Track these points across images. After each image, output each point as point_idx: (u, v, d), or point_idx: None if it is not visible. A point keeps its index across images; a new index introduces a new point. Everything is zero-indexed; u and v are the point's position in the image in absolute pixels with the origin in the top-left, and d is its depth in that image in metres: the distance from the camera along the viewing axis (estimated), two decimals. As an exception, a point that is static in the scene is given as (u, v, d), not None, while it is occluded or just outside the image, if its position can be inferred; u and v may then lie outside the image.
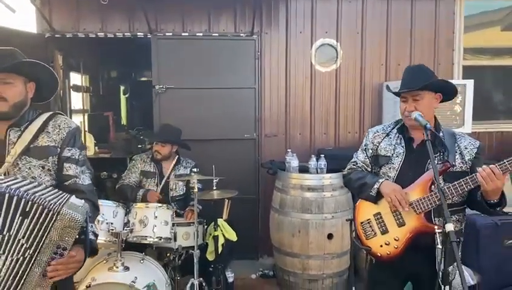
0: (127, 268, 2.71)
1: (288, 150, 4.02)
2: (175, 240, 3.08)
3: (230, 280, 3.66)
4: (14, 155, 1.74)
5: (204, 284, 3.00)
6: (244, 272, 4.19)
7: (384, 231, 2.12)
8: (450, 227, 1.63)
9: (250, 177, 4.46)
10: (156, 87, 4.31)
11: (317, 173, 3.77)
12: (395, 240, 2.08)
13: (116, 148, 5.46)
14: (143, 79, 9.13)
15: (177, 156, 3.67)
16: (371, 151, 2.27)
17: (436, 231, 1.77)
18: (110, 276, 2.61)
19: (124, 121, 8.11)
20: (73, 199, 1.60)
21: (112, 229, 2.81)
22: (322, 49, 4.50)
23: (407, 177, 2.09)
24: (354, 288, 3.53)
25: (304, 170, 3.87)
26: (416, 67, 2.22)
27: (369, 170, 2.30)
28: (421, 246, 2.04)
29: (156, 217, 2.92)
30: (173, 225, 3.03)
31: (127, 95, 8.24)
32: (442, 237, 1.72)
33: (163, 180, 3.51)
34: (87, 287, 2.49)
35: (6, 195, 1.51)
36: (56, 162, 1.81)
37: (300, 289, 3.80)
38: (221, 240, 3.30)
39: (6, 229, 1.51)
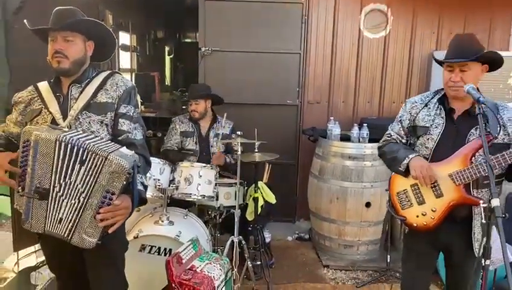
0: (171, 222, 2.86)
1: (331, 117, 4.01)
2: (217, 199, 3.20)
3: (268, 240, 3.79)
4: (76, 110, 1.86)
5: (243, 242, 3.12)
6: (280, 234, 4.32)
7: (421, 202, 2.12)
8: (496, 202, 1.61)
9: (291, 143, 4.50)
10: (202, 49, 4.35)
11: (358, 142, 3.76)
12: (432, 211, 2.09)
13: (161, 108, 5.61)
14: (187, 40, 9.20)
15: (213, 115, 3.76)
16: (407, 121, 2.23)
17: (482, 205, 1.76)
18: (156, 229, 2.77)
19: (168, 81, 8.26)
20: (123, 149, 1.71)
21: (159, 185, 2.95)
22: (372, 14, 4.37)
23: (446, 148, 2.06)
24: (388, 256, 3.58)
25: (345, 138, 3.87)
26: (466, 36, 2.13)
27: (404, 141, 2.27)
28: (456, 218, 2.05)
29: (201, 176, 3.04)
30: (216, 184, 3.14)
31: (171, 56, 8.34)
32: (486, 212, 1.71)
33: (217, 141, 3.63)
34: (134, 237, 2.65)
35: (69, 145, 1.64)
36: (112, 118, 1.92)
37: (336, 254, 3.89)
38: (260, 202, 3.39)
39: (67, 176, 1.65)
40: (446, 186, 2.05)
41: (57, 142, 1.64)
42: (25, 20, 1.93)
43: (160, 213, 2.88)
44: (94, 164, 1.66)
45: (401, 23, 4.36)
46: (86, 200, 1.67)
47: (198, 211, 3.47)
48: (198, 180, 3.03)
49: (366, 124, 3.80)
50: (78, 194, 1.67)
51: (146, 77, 5.97)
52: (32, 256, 3.58)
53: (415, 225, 2.14)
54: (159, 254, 2.69)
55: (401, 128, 2.27)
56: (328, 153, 3.83)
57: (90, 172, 1.66)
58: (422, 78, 4.43)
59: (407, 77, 4.44)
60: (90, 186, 1.67)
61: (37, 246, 3.62)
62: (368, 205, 3.70)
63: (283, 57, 4.38)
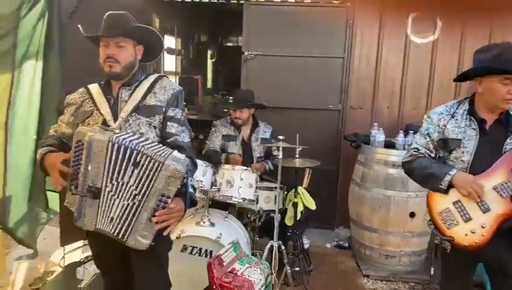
0: (212, 224, 2.89)
1: (375, 123, 3.92)
2: (257, 202, 3.20)
3: (306, 246, 3.75)
4: (126, 112, 1.91)
5: (282, 247, 3.10)
6: (319, 240, 4.26)
7: (468, 219, 2.02)
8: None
9: (332, 148, 4.44)
10: (245, 53, 4.38)
11: (404, 149, 3.65)
12: (481, 227, 1.99)
13: (203, 110, 5.69)
14: (229, 44, 9.31)
15: (254, 120, 3.78)
16: (437, 134, 2.14)
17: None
18: (197, 230, 2.80)
19: (209, 84, 8.37)
20: (176, 153, 1.74)
21: (201, 187, 2.98)
22: (420, 18, 4.25)
23: (483, 160, 1.99)
24: (432, 268, 3.46)
25: (389, 145, 3.77)
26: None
27: (432, 156, 2.18)
28: (500, 231, 1.96)
29: (242, 179, 3.05)
30: (256, 188, 3.14)
31: (213, 60, 8.46)
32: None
33: (259, 145, 3.65)
34: (177, 238, 2.69)
35: (122, 146, 1.68)
36: (161, 120, 1.96)
37: (376, 263, 3.79)
38: (300, 207, 3.36)
39: (120, 176, 1.69)
40: (492, 199, 1.97)
41: (110, 143, 1.69)
42: (79, 26, 2.01)
43: (202, 214, 2.91)
44: (150, 168, 1.69)
45: (450, 27, 4.21)
46: (142, 203, 1.71)
47: (238, 214, 3.48)
48: (240, 183, 3.05)
49: (412, 131, 3.69)
50: (132, 196, 1.71)
51: (189, 80, 6.07)
52: (77, 251, 3.72)
53: (465, 244, 2.02)
54: (199, 255, 2.72)
55: (429, 142, 2.18)
56: (371, 160, 3.74)
57: (146, 175, 1.70)
58: (474, 86, 4.24)
59: (456, 83, 4.28)
60: (146, 189, 1.70)
61: (83, 242, 3.76)
62: (412, 215, 3.59)
63: (326, 61, 4.34)
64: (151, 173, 1.69)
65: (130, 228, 1.73)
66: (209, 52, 8.45)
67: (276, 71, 4.37)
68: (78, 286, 2.68)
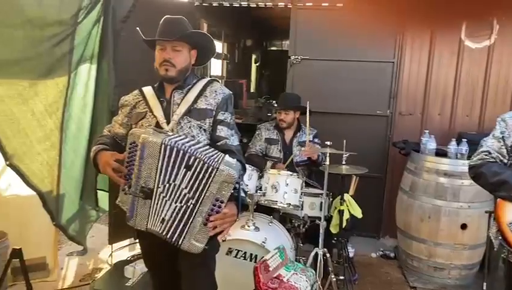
0: (257, 228, 2.87)
1: (425, 130, 3.78)
2: (302, 208, 3.16)
3: (351, 254, 3.67)
4: (179, 115, 1.94)
5: (327, 254, 3.04)
6: (364, 249, 4.16)
7: None
8: None
9: (379, 155, 4.33)
10: (292, 58, 4.36)
11: (456, 158, 3.50)
12: None
13: (247, 114, 5.71)
14: (273, 48, 9.32)
15: (298, 124, 3.74)
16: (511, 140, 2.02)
17: None
18: (242, 234, 2.79)
19: (253, 88, 8.41)
20: (228, 158, 1.75)
21: (247, 191, 2.98)
22: (475, 22, 4.07)
23: None
24: (485, 284, 3.28)
25: (440, 153, 3.63)
26: None
27: (505, 161, 2.04)
28: None
29: (287, 184, 3.02)
30: (302, 193, 3.10)
31: (257, 64, 8.50)
32: None
33: (300, 149, 3.58)
34: (222, 240, 2.69)
35: (175, 149, 1.70)
36: (211, 124, 1.98)
37: (424, 275, 3.65)
38: (346, 215, 3.29)
39: (172, 178, 1.72)
40: None
41: (163, 145, 1.71)
42: (137, 28, 2.06)
43: (247, 218, 2.91)
44: (204, 173, 1.71)
45: (508, 32, 4.01)
46: (196, 207, 1.73)
47: (281, 219, 3.45)
48: (285, 188, 3.02)
49: (465, 140, 3.53)
50: (186, 199, 1.73)
51: (235, 84, 6.12)
52: (125, 249, 3.82)
53: None
54: (244, 258, 2.71)
55: (502, 146, 2.04)
56: (421, 168, 3.61)
57: (199, 180, 1.72)
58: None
59: (514, 90, 4.07)
60: (200, 193, 1.72)
61: (130, 241, 3.86)
62: (463, 226, 3.43)
63: (375, 65, 4.25)
64: (206, 178, 1.70)
65: (184, 231, 1.75)
66: (254, 57, 8.49)
67: (323, 76, 4.32)
68: (126, 284, 2.74)
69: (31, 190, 2.98)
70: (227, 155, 1.78)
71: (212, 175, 1.69)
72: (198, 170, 1.70)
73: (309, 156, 3.43)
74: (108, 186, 3.47)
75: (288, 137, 3.72)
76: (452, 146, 3.54)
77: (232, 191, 1.74)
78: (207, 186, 1.70)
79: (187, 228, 1.74)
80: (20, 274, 2.90)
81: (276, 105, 5.79)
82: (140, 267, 2.80)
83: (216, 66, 6.14)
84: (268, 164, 3.58)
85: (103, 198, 3.66)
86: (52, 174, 3.09)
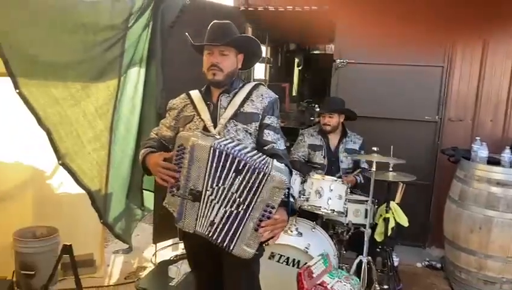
0: (300, 234, 2.85)
1: (477, 137, 3.62)
2: (346, 215, 3.10)
3: (396, 263, 3.56)
4: (226, 118, 1.96)
5: (372, 263, 2.97)
6: (409, 258, 4.03)
7: None
8: None
9: (426, 162, 4.19)
10: (337, 61, 4.30)
11: (510, 167, 3.33)
12: None
13: (289, 118, 5.69)
14: (316, 52, 9.24)
15: (343, 129, 3.66)
16: None
17: None
18: (285, 239, 2.77)
19: (294, 92, 8.38)
20: (276, 163, 1.75)
21: (295, 196, 2.96)
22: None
23: None
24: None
25: (493, 161, 3.46)
26: None
27: None
28: None
29: (332, 190, 2.98)
30: (346, 200, 3.05)
31: (300, 68, 8.46)
32: None
33: (347, 156, 3.55)
34: (265, 244, 2.69)
35: (224, 153, 1.71)
36: (257, 128, 1.98)
37: (473, 288, 3.49)
38: (391, 223, 3.20)
39: (221, 182, 1.73)
40: None
41: (211, 148, 1.73)
42: (186, 34, 2.10)
43: (290, 223, 2.89)
44: (255, 178, 1.71)
45: None
46: (248, 213, 1.74)
47: (322, 225, 3.40)
48: (329, 194, 2.97)
49: (520, 148, 3.36)
50: (236, 204, 1.74)
51: (277, 88, 6.11)
52: (168, 249, 3.89)
53: None
54: (287, 263, 2.69)
55: None
56: (471, 176, 3.46)
57: (250, 185, 1.72)
58: None
59: None
60: (252, 199, 1.73)
61: (173, 241, 3.93)
62: (517, 239, 3.26)
63: (423, 70, 4.12)
64: (257, 184, 1.71)
65: (236, 236, 1.76)
66: (296, 60, 8.46)
67: (369, 80, 4.23)
68: (170, 283, 2.78)
69: (81, 189, 3.10)
70: (275, 160, 1.78)
71: (264, 181, 1.69)
72: (248, 175, 1.71)
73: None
74: (154, 187, 3.55)
75: (333, 143, 3.64)
76: (506, 154, 3.37)
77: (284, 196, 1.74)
78: (258, 191, 1.70)
79: (238, 233, 1.75)
80: (69, 269, 3.02)
81: (318, 109, 5.75)
82: (184, 267, 2.84)
83: (259, 70, 6.17)
84: (320, 172, 3.53)
85: (148, 198, 3.75)
86: (101, 173, 3.20)
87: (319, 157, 3.62)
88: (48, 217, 3.33)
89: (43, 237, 3.23)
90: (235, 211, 1.73)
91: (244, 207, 1.72)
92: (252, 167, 1.70)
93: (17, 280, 3.15)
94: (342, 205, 3.02)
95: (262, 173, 1.69)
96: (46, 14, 2.79)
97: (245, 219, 1.73)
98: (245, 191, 1.72)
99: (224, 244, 1.76)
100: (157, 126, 2.26)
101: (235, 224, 1.74)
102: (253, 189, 1.70)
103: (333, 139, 3.65)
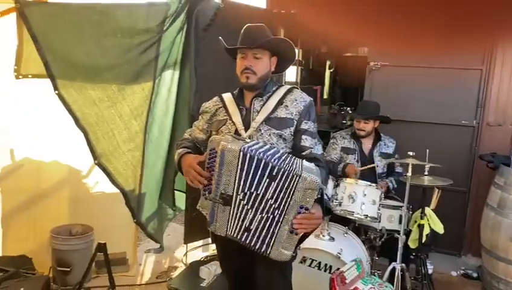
0: (332, 239, 2.82)
1: (517, 143, 3.49)
2: (379, 221, 3.04)
3: (430, 271, 3.47)
4: (258, 122, 1.95)
5: (405, 270, 2.90)
6: (444, 266, 3.92)
7: None
8: None
9: (463, 168, 4.06)
10: (371, 64, 4.23)
11: (554, 174, 3.19)
12: None
13: (321, 121, 5.63)
14: (347, 54, 9.12)
15: (377, 133, 3.60)
16: None
17: None
18: (317, 243, 2.75)
19: (326, 95, 8.29)
20: (306, 163, 1.73)
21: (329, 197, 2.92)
22: None
23: None
24: None
25: (534, 168, 3.33)
26: None
27: None
28: None
29: (365, 195, 2.93)
30: (380, 205, 2.99)
31: (331, 70, 8.37)
32: None
33: (381, 160, 3.50)
34: (298, 249, 2.66)
35: (255, 158, 1.71)
36: (292, 133, 1.96)
37: (512, 301, 3.36)
38: (426, 230, 3.12)
39: (253, 188, 1.72)
40: None
41: (241, 152, 1.71)
42: (220, 38, 2.10)
43: (321, 227, 2.86)
44: (287, 182, 1.70)
45: None
46: (282, 216, 1.73)
47: (353, 230, 3.35)
48: (363, 199, 2.93)
49: None
50: (272, 209, 1.73)
51: (309, 91, 6.05)
52: (198, 250, 3.93)
53: None
54: (319, 268, 2.66)
55: None
56: (511, 183, 3.33)
57: (284, 189, 1.71)
58: None
59: None
60: (285, 203, 1.72)
61: (203, 241, 3.96)
62: (561, 250, 3.11)
63: (461, 73, 4.00)
64: (289, 187, 1.69)
65: (272, 241, 1.75)
66: (328, 63, 8.37)
67: (404, 83, 4.14)
68: (201, 284, 2.80)
69: (116, 188, 3.16)
70: (304, 160, 1.77)
71: (296, 183, 1.68)
72: (283, 179, 1.70)
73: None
74: (186, 187, 3.59)
75: (366, 147, 3.59)
76: (549, 161, 3.23)
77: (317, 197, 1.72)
78: (291, 194, 1.69)
79: (274, 237, 1.74)
80: (103, 267, 3.08)
81: (351, 112, 5.67)
82: (215, 268, 2.86)
83: (291, 73, 6.14)
84: (341, 165, 3.49)
85: (180, 198, 3.79)
86: (135, 173, 3.26)
87: (352, 161, 3.57)
88: (83, 216, 3.42)
89: (78, 234, 3.32)
90: (270, 217, 1.73)
91: (278, 212, 1.71)
92: (283, 170, 1.69)
93: (54, 276, 3.25)
94: (375, 211, 2.96)
95: (293, 176, 1.68)
96: (87, 18, 2.86)
97: (280, 223, 1.72)
98: (280, 196, 1.71)
99: (262, 250, 1.76)
100: (190, 128, 2.28)
101: (271, 229, 1.73)
102: (287, 193, 1.69)
103: (366, 143, 3.60)
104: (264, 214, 1.73)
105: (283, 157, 1.77)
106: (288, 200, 1.70)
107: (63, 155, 3.36)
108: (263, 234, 1.74)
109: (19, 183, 3.30)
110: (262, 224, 1.74)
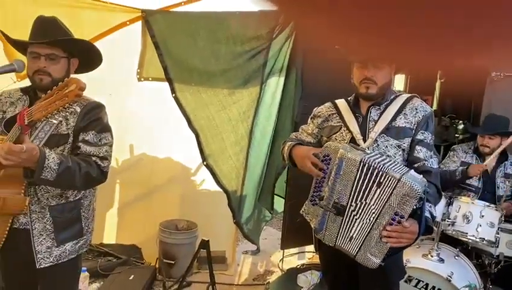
0: (442, 260, 2.61)
1: None
2: (497, 245, 2.75)
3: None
4: (377, 132, 1.86)
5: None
6: None
7: None
8: None
9: None
10: (492, 74, 3.87)
11: None
12: None
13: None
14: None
15: (503, 151, 3.24)
16: None
17: None
18: (425, 263, 2.57)
19: (436, 106, 7.79)
20: (413, 172, 1.63)
21: (435, 216, 2.73)
22: None
23: None
24: None
25: None
26: None
27: None
28: None
29: (482, 216, 2.67)
30: (499, 229, 2.70)
31: (442, 80, 7.85)
32: None
33: (505, 182, 3.17)
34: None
35: (371, 168, 1.66)
36: (409, 143, 1.86)
37: None
38: (554, 261, 2.76)
39: (364, 197, 1.66)
40: None
41: (361, 163, 1.67)
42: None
43: (430, 247, 2.67)
44: (388, 185, 1.63)
45: None
46: (375, 220, 1.66)
47: (464, 253, 3.06)
48: (479, 220, 2.67)
49: None
50: (370, 214, 1.67)
51: (418, 101, 5.77)
52: (295, 257, 3.92)
53: None
54: (425, 290, 2.49)
55: None
56: None
57: (384, 193, 1.64)
58: None
59: None
60: (381, 206, 1.64)
61: (300, 249, 3.94)
62: None
63: None
64: (387, 190, 1.62)
65: (360, 243, 1.69)
66: (439, 72, 7.87)
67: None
68: (298, 292, 2.78)
69: (219, 188, 3.28)
70: (412, 170, 1.66)
71: (393, 186, 1.59)
72: (386, 184, 1.62)
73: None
74: (285, 193, 3.61)
75: (490, 165, 3.27)
76: None
77: (415, 207, 1.60)
78: (387, 197, 1.60)
79: (363, 239, 1.67)
80: (204, 263, 3.21)
81: (463, 125, 5.22)
82: (313, 277, 2.82)
83: (399, 81, 5.87)
84: (459, 169, 3.20)
85: (277, 202, 3.82)
86: (238, 175, 3.35)
87: (474, 179, 3.26)
88: (188, 212, 3.61)
89: (184, 230, 3.50)
90: (367, 221, 1.66)
91: (374, 216, 1.64)
92: (385, 173, 1.61)
93: (159, 267, 3.46)
94: (493, 234, 2.68)
95: (392, 179, 1.59)
96: (203, 26, 3.03)
97: (372, 226, 1.64)
98: (379, 201, 1.64)
99: (353, 254, 1.69)
100: (294, 132, 2.27)
101: (363, 232, 1.67)
102: (384, 196, 1.61)
103: (490, 161, 3.27)
104: (364, 220, 1.66)
105: (394, 165, 1.68)
106: (384, 203, 1.61)
107: (175, 153, 3.59)
108: (358, 238, 1.68)
109: (135, 176, 3.59)
110: (360, 229, 1.68)
